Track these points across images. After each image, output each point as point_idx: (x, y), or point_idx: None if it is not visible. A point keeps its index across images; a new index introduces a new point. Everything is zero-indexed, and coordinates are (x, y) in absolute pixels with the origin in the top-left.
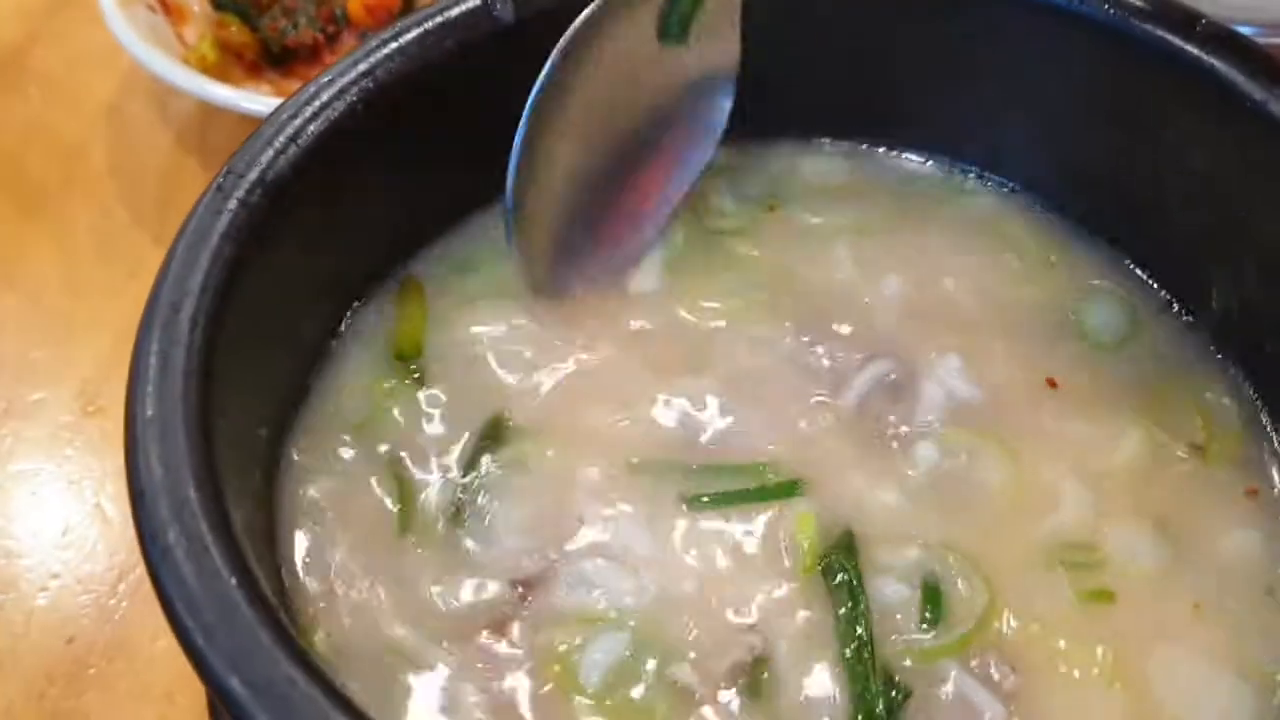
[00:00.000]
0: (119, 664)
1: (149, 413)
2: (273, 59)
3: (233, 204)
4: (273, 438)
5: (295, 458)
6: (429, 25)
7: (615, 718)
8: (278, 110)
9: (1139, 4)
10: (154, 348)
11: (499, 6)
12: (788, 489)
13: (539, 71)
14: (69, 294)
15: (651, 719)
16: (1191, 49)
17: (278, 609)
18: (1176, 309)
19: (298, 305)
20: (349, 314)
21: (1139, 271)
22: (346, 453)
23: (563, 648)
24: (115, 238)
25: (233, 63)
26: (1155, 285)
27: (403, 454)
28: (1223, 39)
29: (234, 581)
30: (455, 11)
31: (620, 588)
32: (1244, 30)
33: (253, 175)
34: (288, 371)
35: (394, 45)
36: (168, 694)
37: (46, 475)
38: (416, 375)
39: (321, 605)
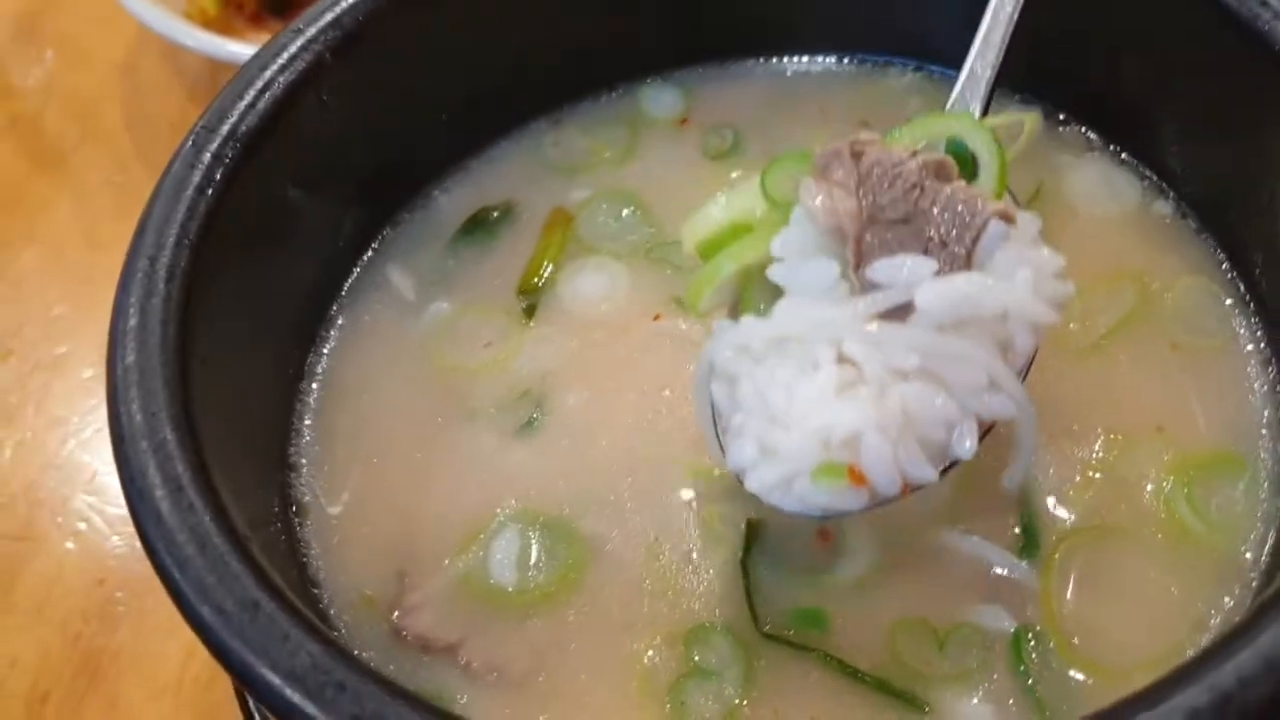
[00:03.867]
0: (148, 601)
1: (128, 360)
2: (274, 7)
3: (206, 157)
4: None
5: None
6: None
7: None
8: (249, 63)
9: None
10: (132, 300)
11: None
12: None
13: (501, 27)
14: (89, 248)
15: None
16: None
17: (249, 539)
18: None
19: (284, 253)
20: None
21: None
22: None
23: None
24: (132, 191)
25: (235, 13)
26: None
27: None
28: None
29: (208, 516)
30: None
31: None
32: None
33: (224, 129)
34: (284, 316)
35: None
36: None
37: (73, 425)
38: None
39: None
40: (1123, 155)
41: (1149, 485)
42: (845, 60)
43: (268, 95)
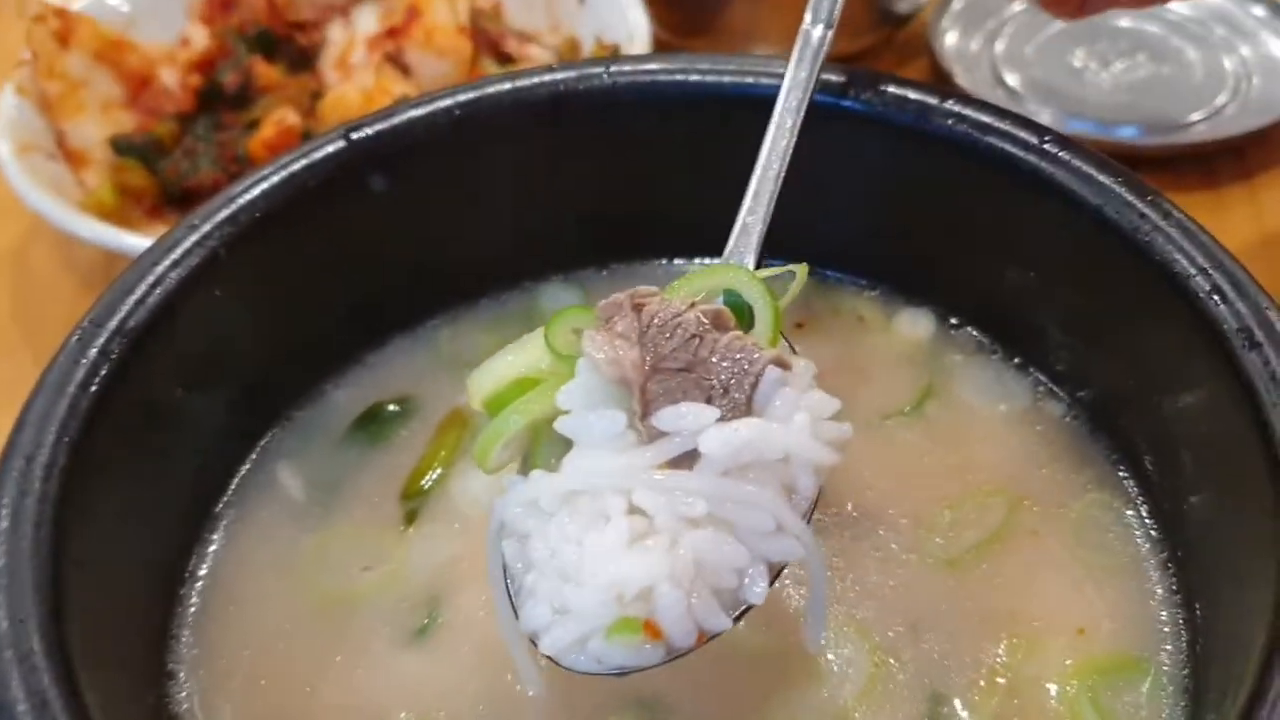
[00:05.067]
0: None
1: None
2: (173, 200)
3: (92, 353)
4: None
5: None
6: (294, 168)
7: None
8: (140, 258)
9: (987, 119)
10: (5, 499)
11: (375, 181)
12: None
13: (401, 227)
14: None
15: None
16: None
17: None
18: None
19: (169, 452)
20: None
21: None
22: None
23: None
24: (17, 384)
25: (132, 205)
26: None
27: None
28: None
29: None
30: (319, 155)
31: None
32: (1126, 131)
33: (112, 324)
34: (166, 518)
35: (257, 190)
36: None
37: None
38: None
39: None
40: (1015, 359)
41: (1054, 688)
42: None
43: (159, 290)
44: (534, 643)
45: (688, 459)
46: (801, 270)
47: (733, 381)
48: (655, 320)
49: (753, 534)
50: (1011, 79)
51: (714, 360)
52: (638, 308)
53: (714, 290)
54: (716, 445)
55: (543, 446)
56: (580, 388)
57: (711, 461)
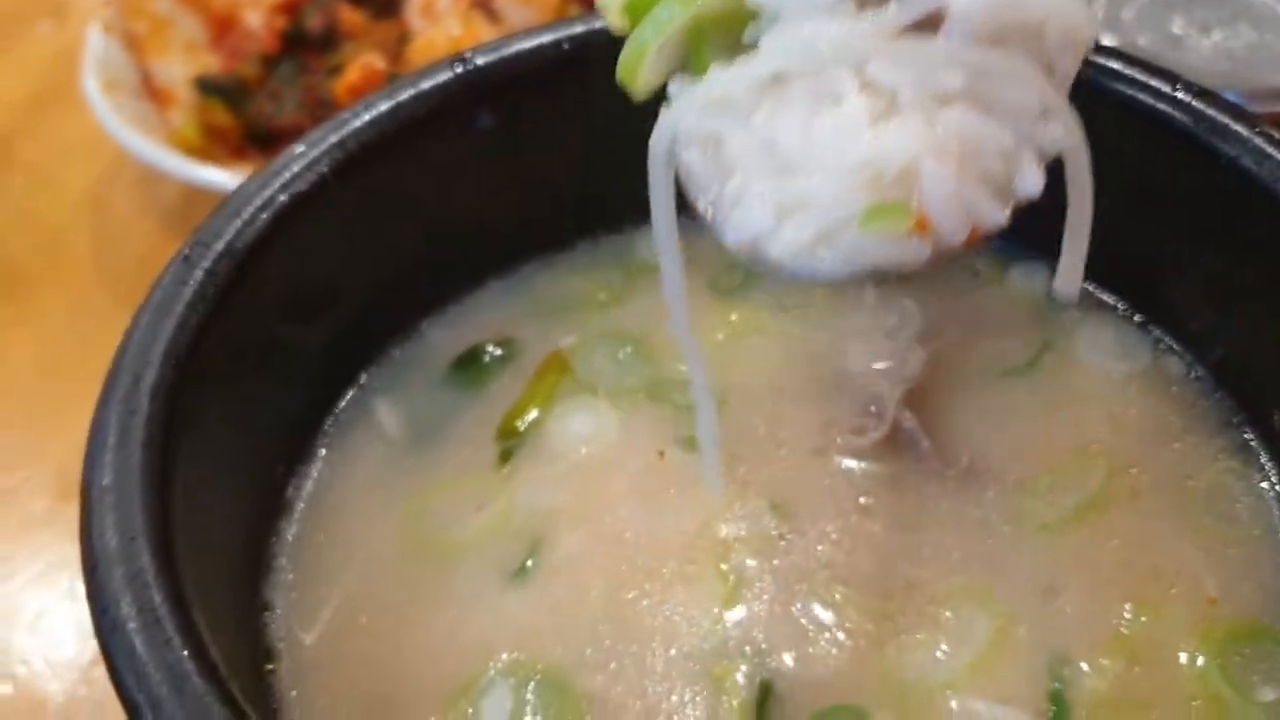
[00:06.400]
0: None
1: (105, 481)
2: (257, 141)
3: (199, 274)
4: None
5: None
6: (402, 97)
7: None
8: (247, 181)
9: (1115, 65)
10: (113, 418)
11: (481, 115)
12: None
13: (505, 163)
14: (47, 378)
15: None
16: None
17: (229, 679)
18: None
19: (271, 379)
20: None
21: None
22: None
23: None
24: (95, 322)
25: (217, 145)
26: None
27: None
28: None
29: (186, 653)
30: (428, 84)
31: None
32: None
33: (219, 245)
34: (266, 445)
35: (366, 116)
36: None
37: (20, 561)
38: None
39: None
40: (1135, 316)
41: (1182, 656)
42: None
43: (266, 213)
44: (753, 256)
45: (927, 26)
46: None
47: None
48: None
49: (1017, 114)
50: (1109, 44)
51: None
52: None
53: None
54: (970, 2)
55: (706, 52)
56: None
57: (964, 22)
